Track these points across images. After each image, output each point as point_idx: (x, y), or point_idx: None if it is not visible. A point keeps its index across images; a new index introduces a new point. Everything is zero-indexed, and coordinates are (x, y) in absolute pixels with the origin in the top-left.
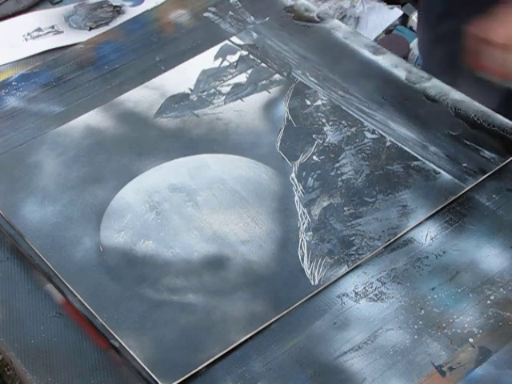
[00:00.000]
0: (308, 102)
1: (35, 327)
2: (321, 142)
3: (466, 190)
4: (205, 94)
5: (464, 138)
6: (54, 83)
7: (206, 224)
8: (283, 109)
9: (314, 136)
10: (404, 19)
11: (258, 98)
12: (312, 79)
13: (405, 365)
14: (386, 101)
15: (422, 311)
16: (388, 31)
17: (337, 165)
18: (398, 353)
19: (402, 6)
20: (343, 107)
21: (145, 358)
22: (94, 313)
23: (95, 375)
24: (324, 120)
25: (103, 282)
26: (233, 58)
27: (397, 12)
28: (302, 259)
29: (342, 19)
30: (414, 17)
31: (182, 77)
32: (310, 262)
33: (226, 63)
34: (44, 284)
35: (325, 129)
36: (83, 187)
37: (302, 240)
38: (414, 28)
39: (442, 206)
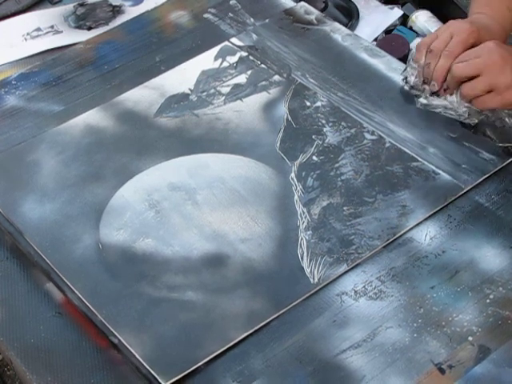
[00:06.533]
0: (308, 103)
1: (35, 327)
2: (320, 142)
3: (465, 190)
4: (204, 94)
5: (463, 140)
6: (54, 82)
7: (206, 222)
8: (283, 109)
9: (313, 137)
10: (404, 19)
11: (258, 99)
12: (312, 80)
13: (404, 362)
14: (385, 102)
15: (422, 310)
16: (388, 31)
17: (336, 165)
18: (397, 351)
19: (402, 5)
20: (343, 108)
21: (144, 355)
22: (93, 310)
23: (95, 374)
24: (324, 121)
25: (102, 279)
26: (232, 59)
27: (397, 12)
28: (302, 258)
29: None
30: (414, 17)
31: (181, 77)
32: (310, 260)
33: (225, 64)
34: (43, 283)
35: (324, 130)
36: (82, 185)
37: (302, 239)
38: (414, 28)
39: (442, 206)
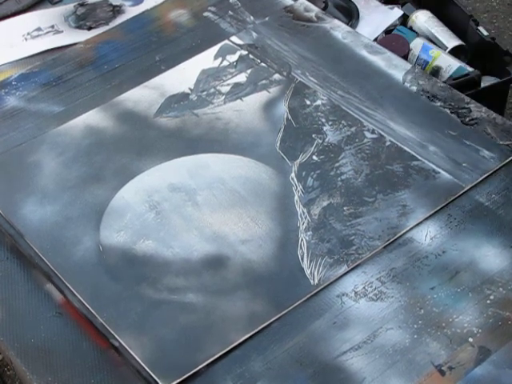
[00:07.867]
0: (308, 102)
1: (35, 327)
2: (320, 141)
3: (465, 189)
4: (204, 93)
5: (463, 138)
6: (54, 83)
7: (206, 224)
8: (283, 108)
9: (313, 136)
10: (404, 19)
11: (258, 98)
12: (312, 79)
13: (404, 364)
14: (385, 100)
15: (422, 311)
16: (388, 31)
17: (336, 164)
18: (397, 352)
19: (402, 5)
20: (343, 107)
21: (144, 358)
22: (93, 312)
23: (95, 375)
24: (324, 120)
25: (103, 281)
26: (232, 58)
27: (397, 12)
28: (302, 259)
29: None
30: (414, 17)
31: (181, 76)
32: (310, 261)
33: (225, 63)
34: (44, 283)
35: (324, 128)
36: (83, 187)
37: (302, 240)
38: (414, 28)
39: (442, 205)
